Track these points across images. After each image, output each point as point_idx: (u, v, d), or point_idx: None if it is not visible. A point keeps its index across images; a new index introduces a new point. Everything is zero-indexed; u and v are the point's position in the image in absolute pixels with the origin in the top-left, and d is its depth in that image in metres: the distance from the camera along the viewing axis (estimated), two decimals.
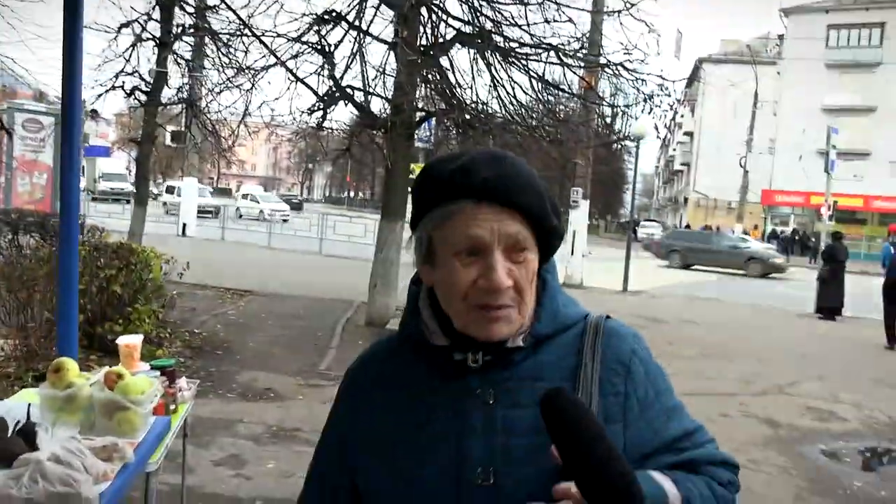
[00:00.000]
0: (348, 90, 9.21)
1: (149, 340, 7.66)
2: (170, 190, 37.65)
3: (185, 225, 24.39)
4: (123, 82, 11.78)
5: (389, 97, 9.46)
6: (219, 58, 10.98)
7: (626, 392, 1.19)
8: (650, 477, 1.12)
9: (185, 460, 3.87)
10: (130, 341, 3.31)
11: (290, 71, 8.82)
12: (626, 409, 1.18)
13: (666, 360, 9.36)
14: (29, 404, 2.12)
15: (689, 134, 59.23)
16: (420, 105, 9.92)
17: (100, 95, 11.71)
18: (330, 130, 10.43)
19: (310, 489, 1.35)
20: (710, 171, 52.30)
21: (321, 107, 9.26)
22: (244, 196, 44.01)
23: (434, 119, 10.19)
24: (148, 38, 11.70)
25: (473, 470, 1.13)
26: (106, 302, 7.08)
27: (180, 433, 3.82)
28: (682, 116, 62.86)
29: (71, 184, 2.40)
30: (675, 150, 69.74)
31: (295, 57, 8.96)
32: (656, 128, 10.40)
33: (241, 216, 36.44)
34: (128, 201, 39.29)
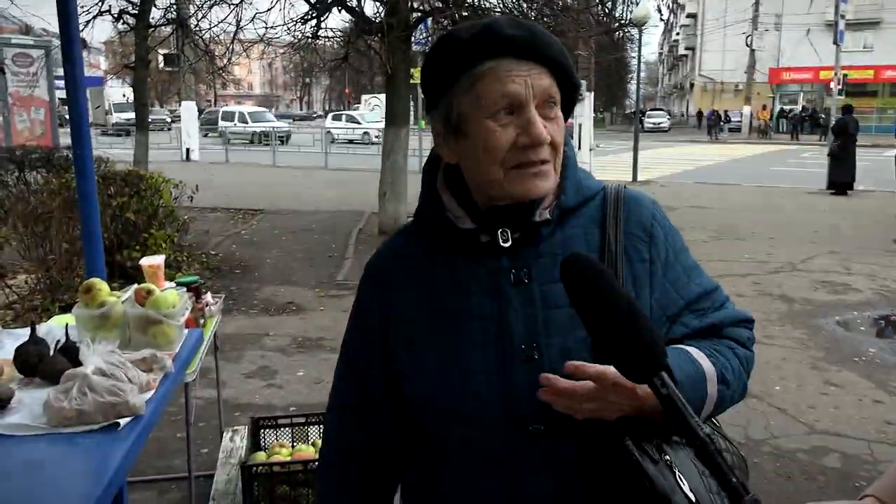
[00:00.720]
0: None
1: (167, 265, 7.75)
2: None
3: (188, 150, 24.24)
4: (110, 6, 11.51)
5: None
6: None
7: (651, 257, 1.22)
8: (687, 354, 1.15)
9: (219, 373, 4.00)
10: (154, 261, 3.36)
11: None
12: (652, 273, 1.21)
13: None
14: (67, 324, 2.19)
15: (693, 16, 57.46)
16: (415, 5, 9.65)
17: (87, 22, 11.46)
18: (326, 39, 10.20)
19: (342, 388, 1.34)
20: (715, 54, 50.99)
21: (314, 15, 9.04)
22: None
23: (430, 19, 9.92)
24: None
25: (518, 346, 1.15)
26: (121, 230, 7.14)
27: (211, 348, 3.95)
28: None
29: (80, 110, 2.40)
30: (678, 33, 67.89)
31: None
32: (659, 9, 10.13)
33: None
34: (168, 128, 37.96)
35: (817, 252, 9.57)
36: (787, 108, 44.92)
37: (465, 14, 9.60)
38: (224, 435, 3.64)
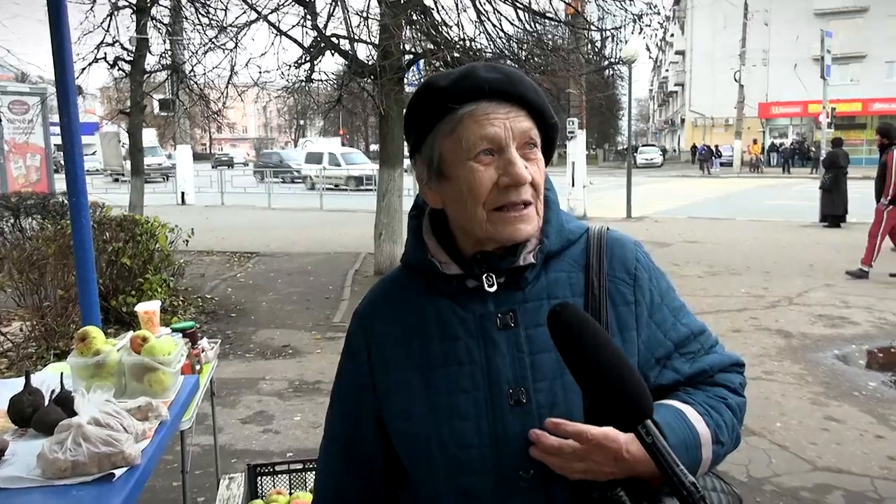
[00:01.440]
0: (333, 39, 9.08)
1: (163, 310, 7.74)
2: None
3: (183, 193, 24.32)
4: (105, 53, 11.64)
5: (375, 42, 9.32)
6: (198, 18, 10.80)
7: (636, 300, 1.22)
8: (682, 415, 1.14)
9: (215, 419, 3.95)
10: (149, 308, 3.35)
11: (273, 25, 8.68)
12: (638, 315, 1.22)
13: (673, 281, 9.51)
14: (62, 373, 2.17)
15: (681, 53, 58.37)
16: (407, 47, 9.77)
17: (83, 69, 11.56)
18: (319, 82, 10.31)
19: (331, 438, 1.34)
20: (704, 90, 51.69)
21: (308, 59, 9.14)
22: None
23: (423, 61, 10.04)
24: (124, 6, 11.50)
25: (506, 391, 1.15)
26: (117, 275, 7.13)
27: (207, 394, 3.92)
28: (672, 35, 61.87)
29: (74, 158, 2.40)
30: (667, 70, 68.90)
31: (276, 10, 8.81)
32: (647, 48, 10.27)
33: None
34: (166, 177, 36.28)
35: (813, 285, 9.58)
36: (777, 141, 45.39)
37: (457, 55, 9.72)
38: (221, 483, 3.57)
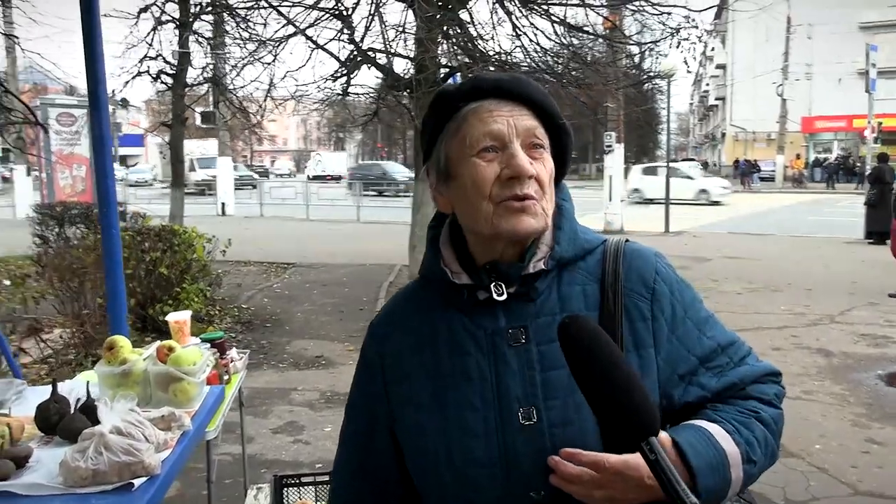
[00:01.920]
0: (370, 53, 9.14)
1: (199, 319, 7.84)
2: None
3: (223, 204, 24.68)
4: (148, 67, 11.87)
5: (412, 56, 9.37)
6: (238, 33, 10.98)
7: (654, 314, 1.18)
8: (706, 435, 1.10)
9: (244, 429, 3.97)
10: (179, 318, 3.39)
11: (310, 38, 8.78)
12: (655, 332, 1.17)
13: (712, 297, 9.28)
14: (87, 382, 2.19)
15: (722, 66, 57.65)
16: (443, 61, 9.81)
17: (126, 83, 11.81)
18: (356, 96, 10.40)
19: (346, 450, 1.33)
20: (746, 104, 50.92)
21: (344, 72, 9.22)
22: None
23: (458, 74, 10.07)
24: (167, 21, 11.72)
25: (515, 409, 1.12)
26: (154, 284, 7.24)
27: (236, 403, 3.94)
28: (713, 49, 61.17)
29: (105, 169, 2.45)
30: (708, 84, 68.07)
31: (313, 24, 8.90)
32: (685, 62, 10.13)
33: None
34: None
35: (856, 303, 9.34)
36: (821, 156, 44.51)
37: (493, 69, 9.72)
38: (248, 493, 3.58)
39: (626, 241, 1.26)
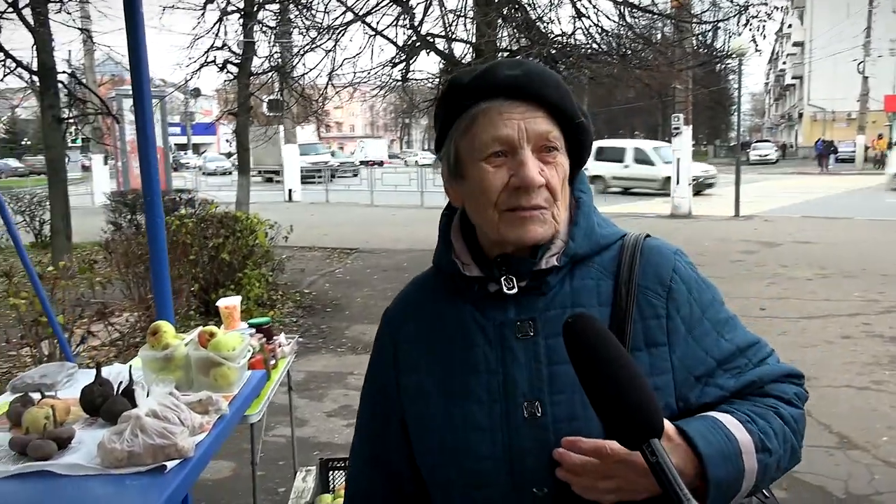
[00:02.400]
0: (429, 38, 9.14)
1: (261, 303, 8.03)
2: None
3: (290, 191, 25.14)
4: (215, 57, 12.13)
5: (470, 41, 9.32)
6: (301, 21, 11.12)
7: (669, 313, 1.14)
8: (718, 423, 1.06)
9: (292, 411, 4.05)
10: (229, 303, 3.48)
11: (369, 25, 8.82)
12: (670, 331, 1.13)
13: (779, 283, 9.01)
14: (130, 366, 2.26)
15: (800, 44, 55.56)
16: (503, 45, 9.73)
17: (194, 73, 12.11)
18: (416, 81, 10.42)
19: (360, 438, 1.33)
20: (824, 82, 49.06)
21: (403, 58, 9.25)
22: None
23: (518, 57, 9.99)
24: (233, 11, 11.96)
25: (520, 403, 1.11)
26: (217, 270, 7.43)
27: (292, 388, 4.02)
28: (789, 26, 59.02)
29: (148, 158, 2.50)
30: (784, 63, 65.75)
31: (373, 11, 8.96)
32: (754, 40, 9.78)
33: None
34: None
35: None
36: None
37: (554, 51, 9.60)
38: (297, 474, 3.66)
39: (647, 236, 1.22)
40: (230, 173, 39.33)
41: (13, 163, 50.93)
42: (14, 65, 10.06)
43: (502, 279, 1.14)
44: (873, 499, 3.91)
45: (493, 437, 1.11)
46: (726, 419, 1.08)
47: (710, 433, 1.04)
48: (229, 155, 43.51)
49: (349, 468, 1.39)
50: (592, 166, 24.29)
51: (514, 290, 1.14)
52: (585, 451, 1.02)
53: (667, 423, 1.02)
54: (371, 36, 8.93)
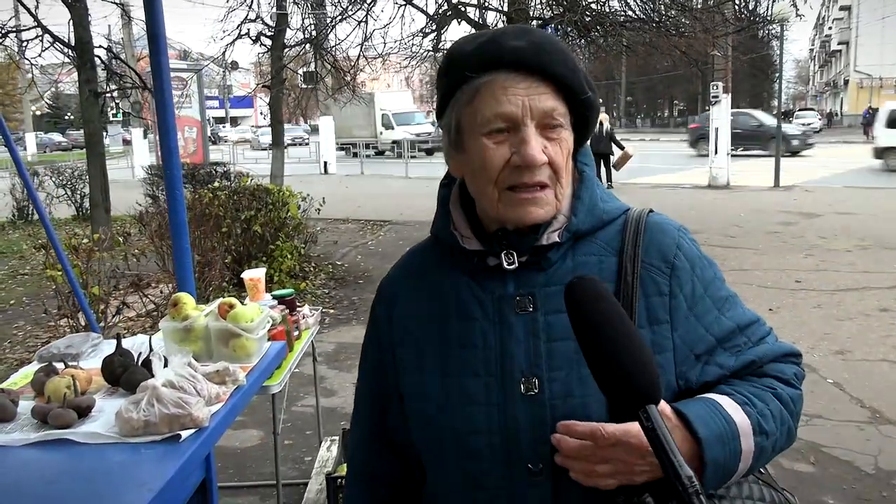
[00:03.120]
0: (460, 7, 9.04)
1: (293, 275, 8.11)
2: None
3: (325, 163, 25.26)
4: (248, 30, 12.18)
5: (502, 9, 9.21)
6: None
7: (672, 291, 1.12)
8: (717, 406, 1.05)
9: (317, 382, 4.10)
10: (254, 275, 3.52)
11: None
12: (673, 309, 1.12)
13: (817, 255, 8.82)
14: (150, 336, 2.31)
15: (846, 8, 53.87)
16: (535, 13, 9.59)
17: (228, 45, 12.18)
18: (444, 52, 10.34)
19: (360, 412, 1.34)
20: (872, 48, 47.56)
21: (434, 28, 9.17)
22: None
23: (553, 25, 9.83)
24: None
25: (518, 378, 1.10)
26: (249, 242, 7.51)
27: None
28: None
29: (168, 134, 2.53)
30: (830, 28, 63.84)
31: None
32: (794, 4, 9.49)
33: None
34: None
35: None
36: None
37: (588, 17, 9.44)
38: (322, 444, 3.72)
39: (650, 211, 1.20)
40: (306, 143, 35.83)
41: (57, 137, 52.02)
42: (52, 40, 10.21)
43: (503, 254, 1.13)
44: None
45: (488, 411, 1.11)
46: (725, 401, 1.07)
47: (708, 416, 1.03)
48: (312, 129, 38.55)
49: (350, 442, 1.39)
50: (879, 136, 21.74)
51: (515, 266, 1.13)
52: (581, 435, 1.02)
53: (665, 405, 1.01)
54: (402, 6, 8.87)
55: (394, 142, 30.37)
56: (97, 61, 10.71)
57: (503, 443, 1.10)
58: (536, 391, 1.09)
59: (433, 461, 1.20)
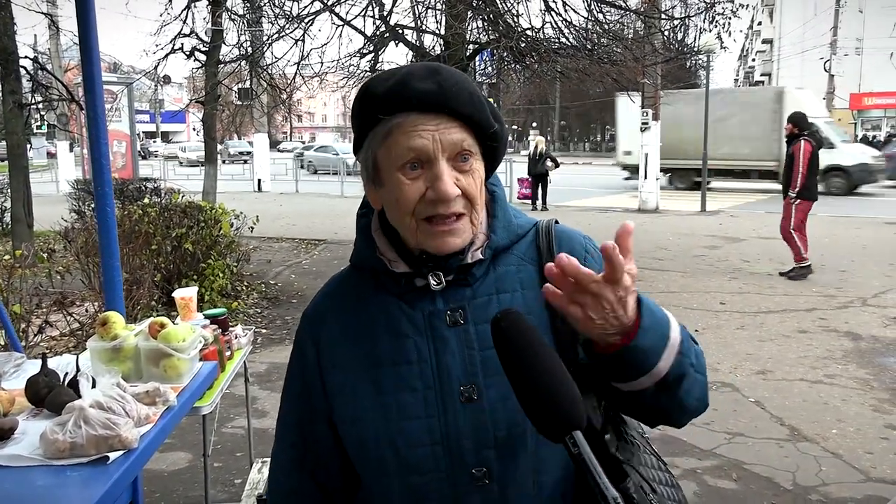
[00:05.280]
0: (397, 29, 9.12)
1: (225, 294, 7.97)
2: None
3: (260, 181, 24.94)
4: (182, 44, 11.99)
5: (439, 32, 9.32)
6: (270, 9, 11.02)
7: None
8: (665, 314, 1.09)
9: (249, 403, 4.05)
10: (185, 294, 3.47)
11: (337, 15, 8.77)
12: None
13: (740, 277, 9.12)
14: (77, 356, 2.25)
15: (769, 41, 56.24)
16: (472, 37, 9.74)
17: (161, 60, 11.96)
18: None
19: (284, 440, 1.31)
20: (792, 79, 49.44)
21: (372, 49, 9.21)
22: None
23: (488, 50, 10.00)
24: None
25: (456, 388, 1.14)
26: (180, 260, 7.36)
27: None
28: (759, 24, 59.70)
29: (100, 149, 2.49)
30: (754, 59, 66.56)
31: (342, 0, 8.91)
32: (719, 37, 9.89)
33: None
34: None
35: (892, 286, 9.12)
36: (870, 134, 43.27)
37: (523, 43, 9.63)
38: (253, 466, 3.67)
39: (556, 222, 1.28)
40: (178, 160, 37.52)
41: None
42: None
43: (430, 275, 1.17)
44: (819, 489, 4.01)
45: (429, 423, 1.15)
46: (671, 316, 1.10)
47: (656, 308, 1.07)
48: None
49: (271, 470, 1.37)
50: None
51: (442, 286, 1.18)
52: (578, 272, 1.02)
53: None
54: (339, 26, 8.88)
55: None
56: (22, 72, 10.38)
57: (446, 452, 1.14)
58: (476, 398, 1.14)
59: (373, 479, 1.21)
